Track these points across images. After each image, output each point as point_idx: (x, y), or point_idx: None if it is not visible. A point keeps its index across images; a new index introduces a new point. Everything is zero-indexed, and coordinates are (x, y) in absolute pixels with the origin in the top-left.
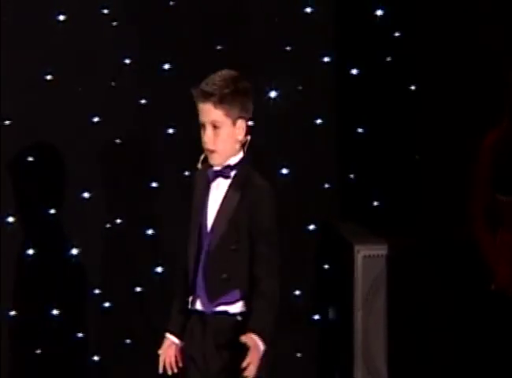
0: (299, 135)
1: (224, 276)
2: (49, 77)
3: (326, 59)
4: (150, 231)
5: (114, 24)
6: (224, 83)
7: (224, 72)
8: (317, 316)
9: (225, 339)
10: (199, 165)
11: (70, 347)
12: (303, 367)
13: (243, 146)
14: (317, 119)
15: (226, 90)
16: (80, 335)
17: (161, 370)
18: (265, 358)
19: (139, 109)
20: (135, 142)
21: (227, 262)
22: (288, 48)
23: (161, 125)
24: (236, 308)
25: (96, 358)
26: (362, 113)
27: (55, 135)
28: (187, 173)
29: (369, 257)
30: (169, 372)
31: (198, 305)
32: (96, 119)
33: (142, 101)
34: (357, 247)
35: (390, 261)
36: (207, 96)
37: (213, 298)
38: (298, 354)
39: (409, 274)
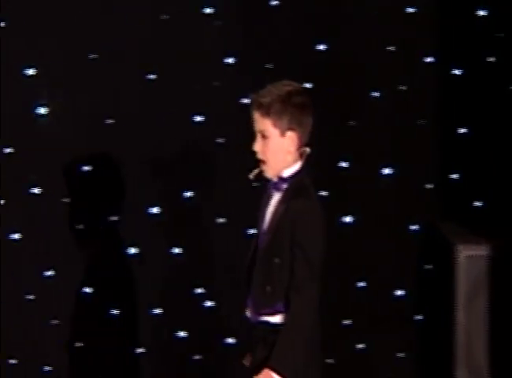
0: (402, 135)
1: (268, 288)
2: (152, 76)
3: (429, 59)
4: (251, 231)
5: (217, 23)
6: (277, 93)
7: (282, 84)
8: (419, 317)
9: (263, 346)
10: (251, 176)
11: (173, 346)
12: (404, 367)
13: (300, 157)
14: (419, 119)
15: (275, 102)
16: (182, 334)
17: None
18: None
19: (241, 109)
20: (237, 142)
21: (271, 275)
22: (391, 48)
23: None
24: (278, 318)
25: (198, 357)
26: (465, 114)
27: (157, 133)
28: None
29: (470, 258)
30: None
31: (248, 314)
32: (199, 118)
33: (245, 101)
34: (458, 247)
35: (491, 262)
36: (258, 105)
37: (257, 308)
38: (400, 354)
39: (510, 274)
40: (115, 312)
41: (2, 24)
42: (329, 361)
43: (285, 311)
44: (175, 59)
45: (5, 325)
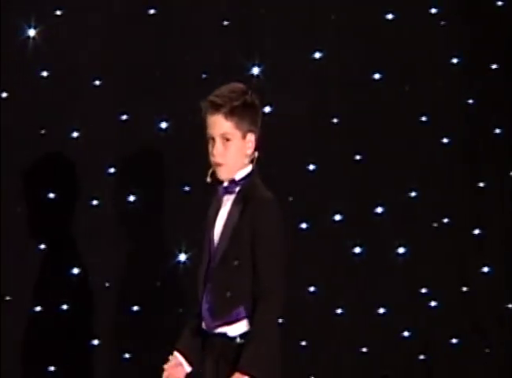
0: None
1: (228, 294)
2: (377, 76)
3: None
4: (476, 231)
5: (442, 23)
6: (234, 95)
7: (233, 85)
8: None
9: (225, 363)
10: (208, 179)
11: (398, 345)
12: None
13: (251, 161)
14: None
15: (236, 102)
16: (406, 333)
17: None
18: None
19: (466, 109)
20: (462, 142)
21: (230, 279)
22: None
23: (488, 125)
24: (237, 329)
25: (422, 357)
26: None
27: (387, 132)
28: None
29: None
30: None
31: (204, 326)
32: (424, 118)
33: (470, 101)
34: None
35: None
36: (217, 107)
37: (216, 317)
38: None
39: None
40: (339, 310)
41: None
42: None
43: (247, 317)
44: (402, 58)
45: None
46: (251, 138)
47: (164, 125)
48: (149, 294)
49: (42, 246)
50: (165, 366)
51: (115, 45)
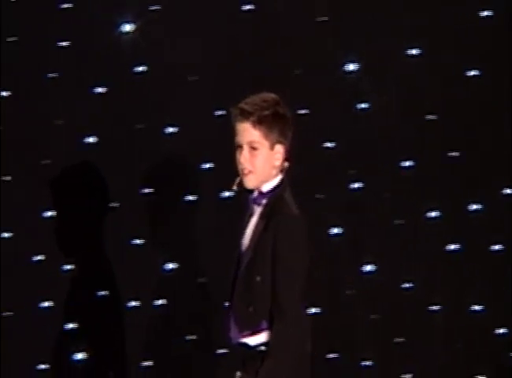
0: None
1: (251, 309)
2: (474, 72)
3: None
4: None
5: None
6: (265, 104)
7: (266, 95)
8: None
9: (245, 372)
10: (234, 187)
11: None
12: None
13: (280, 172)
14: None
15: (266, 112)
16: (502, 330)
17: None
18: None
19: None
20: None
21: (252, 295)
22: None
23: None
24: (257, 339)
25: None
26: None
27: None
28: None
29: None
30: None
31: (231, 334)
32: None
33: None
34: None
35: None
36: (246, 115)
37: (240, 329)
38: None
39: None
40: (435, 307)
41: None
42: None
43: (269, 328)
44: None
45: None
46: (280, 149)
47: None
48: None
49: (137, 241)
50: None
51: (211, 41)
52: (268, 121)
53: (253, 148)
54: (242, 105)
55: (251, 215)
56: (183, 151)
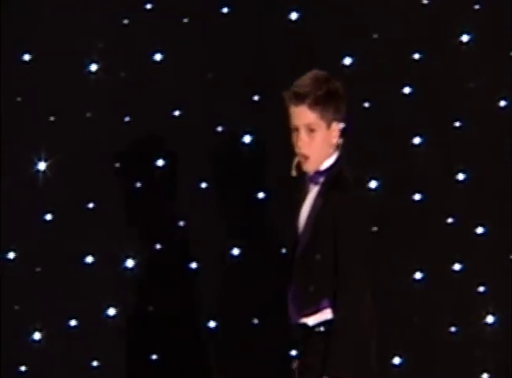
0: None
1: (312, 288)
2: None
3: None
4: None
5: None
6: (317, 84)
7: (315, 73)
8: None
9: (305, 353)
10: (293, 173)
11: None
12: None
13: (336, 148)
14: None
15: (320, 92)
16: None
17: None
18: None
19: None
20: None
21: (313, 274)
22: None
23: None
24: (317, 318)
25: None
26: None
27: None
28: None
29: None
30: None
31: (290, 314)
32: None
33: None
34: None
35: None
36: (301, 98)
37: (300, 310)
38: None
39: None
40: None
41: None
42: None
43: (331, 307)
44: None
45: None
46: (336, 127)
47: None
48: None
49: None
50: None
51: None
52: (322, 101)
53: (310, 130)
54: (295, 88)
55: (306, 194)
56: None
